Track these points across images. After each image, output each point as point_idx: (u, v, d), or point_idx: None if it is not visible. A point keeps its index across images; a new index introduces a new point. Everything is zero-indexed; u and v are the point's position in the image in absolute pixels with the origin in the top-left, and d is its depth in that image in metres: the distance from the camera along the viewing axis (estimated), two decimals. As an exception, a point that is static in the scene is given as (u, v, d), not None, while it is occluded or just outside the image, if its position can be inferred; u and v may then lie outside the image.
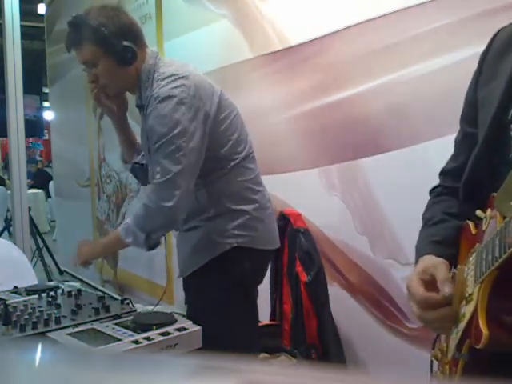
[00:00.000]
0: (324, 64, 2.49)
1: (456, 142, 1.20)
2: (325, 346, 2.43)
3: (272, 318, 2.69)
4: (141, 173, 1.99)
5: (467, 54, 1.86)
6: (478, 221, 1.04)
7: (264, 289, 2.64)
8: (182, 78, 1.72)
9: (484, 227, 0.94)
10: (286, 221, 2.60)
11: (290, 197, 2.74)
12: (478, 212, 0.96)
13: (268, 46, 2.78)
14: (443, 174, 1.23)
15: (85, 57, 1.76)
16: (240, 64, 2.97)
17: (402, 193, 2.15)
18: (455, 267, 1.07)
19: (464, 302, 0.97)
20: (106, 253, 2.01)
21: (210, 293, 1.81)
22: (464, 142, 1.14)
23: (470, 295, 0.93)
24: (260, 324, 2.60)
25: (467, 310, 0.94)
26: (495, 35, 1.08)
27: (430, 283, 1.00)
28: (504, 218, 0.85)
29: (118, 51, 1.72)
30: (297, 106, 2.64)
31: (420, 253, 1.11)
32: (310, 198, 2.62)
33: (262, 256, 1.90)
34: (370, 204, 2.32)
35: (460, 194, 1.07)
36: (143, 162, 1.98)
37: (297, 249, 2.52)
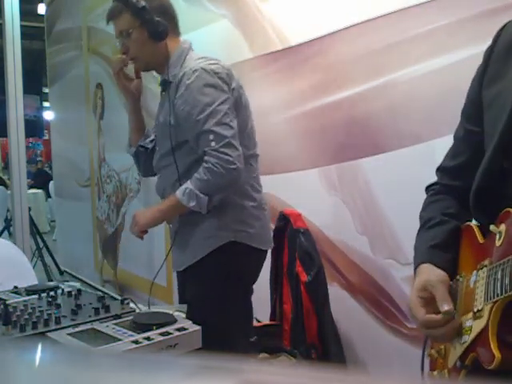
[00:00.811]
0: (324, 64, 2.49)
1: (456, 138, 1.17)
2: (325, 345, 2.43)
3: (272, 318, 2.69)
4: (144, 157, 2.07)
5: (467, 54, 1.86)
6: (483, 226, 1.02)
7: (264, 289, 2.64)
8: (216, 60, 1.87)
9: (498, 243, 0.93)
10: (285, 221, 2.60)
11: (290, 197, 2.74)
12: (492, 227, 0.94)
13: (268, 46, 2.78)
14: (441, 170, 1.20)
15: (121, 26, 1.87)
16: (240, 64, 2.97)
17: (402, 193, 2.15)
18: (455, 269, 1.06)
19: (471, 316, 0.96)
20: (165, 219, 1.93)
21: (209, 285, 1.86)
22: (465, 140, 1.12)
23: (480, 311, 0.93)
24: (260, 324, 2.60)
25: (475, 326, 0.94)
26: (501, 30, 1.05)
27: (430, 300, 1.01)
28: None
29: (152, 25, 1.82)
30: (297, 106, 2.64)
31: (419, 258, 1.10)
32: (310, 198, 2.61)
33: (256, 255, 1.93)
34: (369, 204, 2.32)
35: (470, 202, 1.04)
36: (149, 146, 2.06)
37: (297, 249, 2.52)
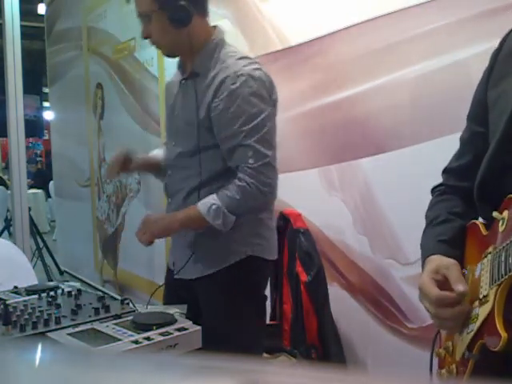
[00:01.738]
0: (324, 64, 2.49)
1: (461, 140, 1.19)
2: (325, 345, 2.43)
3: (272, 318, 2.69)
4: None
5: (467, 54, 1.86)
6: (488, 221, 1.03)
7: (264, 289, 2.64)
8: (257, 62, 1.74)
9: (501, 229, 0.93)
10: (286, 221, 2.60)
11: (290, 197, 2.74)
12: (495, 214, 0.95)
13: (268, 46, 2.78)
14: (446, 172, 1.22)
15: (140, 8, 1.71)
16: (240, 64, 2.97)
17: (402, 193, 2.15)
18: (462, 266, 1.07)
19: (477, 303, 0.96)
20: (180, 230, 1.76)
21: (222, 301, 1.76)
22: (471, 141, 1.13)
23: (485, 297, 0.93)
24: (260, 324, 2.60)
25: (481, 312, 0.94)
26: (507, 35, 1.07)
27: (443, 283, 1.00)
28: None
29: (173, 9, 1.66)
30: (297, 106, 2.64)
31: (427, 252, 1.09)
32: (310, 198, 2.62)
33: (267, 266, 1.86)
34: (369, 204, 2.32)
35: (474, 195, 1.06)
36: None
37: (297, 249, 2.52)
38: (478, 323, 0.94)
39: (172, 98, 1.85)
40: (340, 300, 2.47)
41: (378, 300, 2.31)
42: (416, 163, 2.08)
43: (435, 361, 1.13)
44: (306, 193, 2.65)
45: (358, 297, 2.42)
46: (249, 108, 1.63)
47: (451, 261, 1.03)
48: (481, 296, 0.95)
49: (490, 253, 0.96)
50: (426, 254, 1.09)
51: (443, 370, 1.08)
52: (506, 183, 0.96)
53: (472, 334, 0.96)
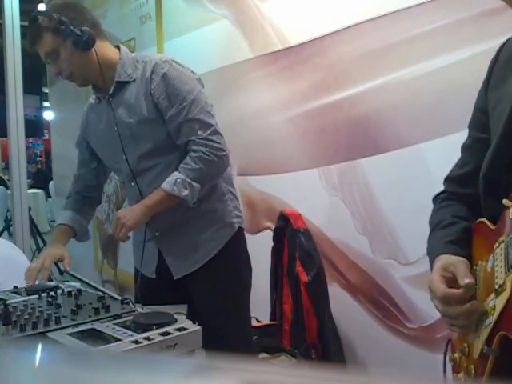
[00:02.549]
0: (324, 64, 2.49)
1: (463, 148, 1.19)
2: (325, 345, 2.43)
3: (272, 318, 2.69)
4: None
5: (467, 54, 1.86)
6: (491, 216, 1.03)
7: (264, 289, 2.64)
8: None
9: (511, 216, 0.93)
10: (285, 221, 2.60)
11: (289, 197, 2.74)
12: (505, 201, 0.95)
13: (268, 46, 2.78)
14: (449, 180, 1.22)
15: (46, 48, 1.77)
16: (240, 64, 2.97)
17: (402, 193, 2.15)
18: (471, 266, 1.06)
19: (493, 295, 0.94)
20: (152, 214, 1.80)
21: (230, 278, 1.88)
22: (473, 148, 1.14)
23: (501, 285, 0.91)
24: (260, 324, 2.61)
25: (498, 302, 0.91)
26: (504, 43, 1.10)
27: (451, 280, 1.00)
28: None
29: (76, 36, 1.74)
30: (297, 106, 2.64)
31: (435, 253, 1.09)
32: (310, 198, 2.62)
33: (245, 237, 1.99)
34: (369, 204, 2.32)
35: (480, 187, 1.07)
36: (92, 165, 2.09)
37: (297, 249, 2.52)
38: (496, 314, 0.91)
39: (102, 122, 1.91)
40: (340, 300, 2.47)
41: (378, 300, 2.31)
42: (416, 163, 2.08)
43: (449, 366, 1.11)
44: (306, 193, 2.65)
45: (358, 297, 2.42)
46: (182, 86, 1.76)
47: (459, 258, 1.03)
48: (496, 286, 0.92)
49: (502, 242, 0.94)
50: (434, 255, 1.09)
51: (460, 374, 1.05)
52: (508, 178, 0.96)
53: (490, 326, 0.93)
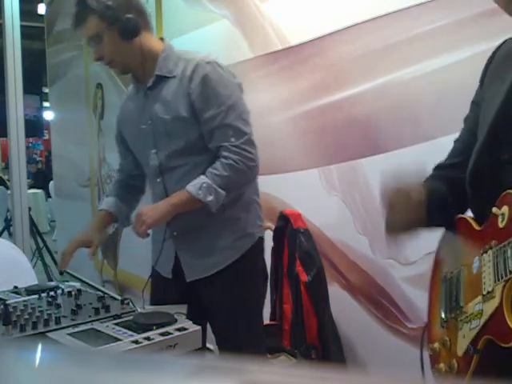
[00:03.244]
0: (324, 64, 2.49)
1: (455, 140, 1.22)
2: (325, 346, 2.43)
3: (272, 318, 2.69)
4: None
5: (467, 54, 1.86)
6: (478, 216, 1.04)
7: (264, 289, 2.64)
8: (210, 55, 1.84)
9: (501, 225, 0.94)
10: (286, 221, 2.60)
11: (289, 197, 2.74)
12: (495, 209, 0.96)
13: (268, 46, 2.78)
14: (436, 167, 1.26)
15: (90, 32, 1.76)
16: (240, 64, 2.97)
17: (402, 193, 2.15)
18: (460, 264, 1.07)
19: (480, 299, 0.96)
20: (174, 214, 1.77)
21: (247, 285, 1.86)
22: (464, 141, 1.17)
23: (490, 292, 0.93)
24: (260, 324, 2.60)
25: (487, 308, 0.94)
26: (501, 45, 1.13)
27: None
28: None
29: (122, 23, 1.72)
30: (297, 106, 2.64)
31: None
32: (310, 198, 2.61)
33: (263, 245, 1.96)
34: (369, 204, 2.32)
35: (467, 182, 1.08)
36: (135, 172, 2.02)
37: (297, 249, 2.52)
38: (484, 319, 0.94)
39: (137, 113, 1.89)
40: (340, 300, 2.47)
41: (378, 300, 2.31)
42: (416, 163, 2.08)
43: (427, 356, 1.14)
44: (306, 193, 2.65)
45: (358, 297, 2.42)
46: (222, 90, 1.73)
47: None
48: (484, 292, 0.95)
49: (490, 248, 0.96)
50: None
51: (441, 365, 1.08)
52: (499, 178, 0.97)
53: (477, 329, 0.96)
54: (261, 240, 1.89)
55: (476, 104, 1.14)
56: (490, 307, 0.93)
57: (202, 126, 1.75)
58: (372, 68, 2.25)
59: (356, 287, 2.42)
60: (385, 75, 2.19)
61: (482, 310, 0.95)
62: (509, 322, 0.87)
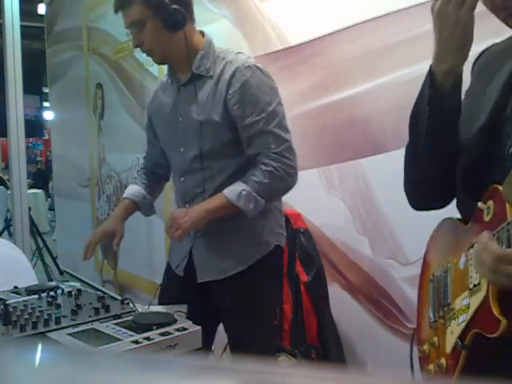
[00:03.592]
0: (324, 64, 2.49)
1: None
2: (325, 345, 2.43)
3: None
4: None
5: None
6: (465, 216, 1.05)
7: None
8: (250, 56, 1.81)
9: (486, 218, 0.94)
10: (286, 221, 2.60)
11: (290, 197, 2.73)
12: (480, 204, 0.96)
13: (268, 46, 2.78)
14: None
15: (132, 17, 1.68)
16: (240, 64, 2.97)
17: (402, 193, 2.15)
18: (445, 263, 1.07)
19: (467, 294, 0.96)
20: (209, 219, 1.71)
21: (261, 290, 1.81)
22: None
23: (476, 285, 0.93)
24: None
25: (473, 301, 0.94)
26: (481, 54, 1.16)
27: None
28: None
29: (168, 14, 1.65)
30: (297, 106, 2.64)
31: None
32: (310, 198, 2.61)
33: (282, 255, 1.93)
34: (369, 204, 2.32)
35: (457, 187, 1.08)
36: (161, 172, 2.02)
37: (297, 249, 2.52)
38: (471, 313, 0.94)
39: (168, 106, 1.84)
40: (340, 300, 2.47)
41: (378, 300, 2.31)
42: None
43: (417, 358, 1.14)
44: (306, 193, 2.64)
45: (357, 297, 2.42)
46: (263, 96, 1.69)
47: None
48: (471, 286, 0.95)
49: (476, 242, 0.96)
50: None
51: (430, 366, 1.08)
52: (490, 177, 0.97)
53: (464, 324, 0.96)
54: (278, 248, 1.83)
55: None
56: (476, 300, 0.93)
57: (241, 131, 1.71)
58: (372, 68, 2.25)
59: (356, 287, 2.42)
60: (385, 75, 2.20)
61: (469, 304, 0.95)
62: (494, 311, 0.87)
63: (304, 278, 2.47)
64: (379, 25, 2.20)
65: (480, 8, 1.87)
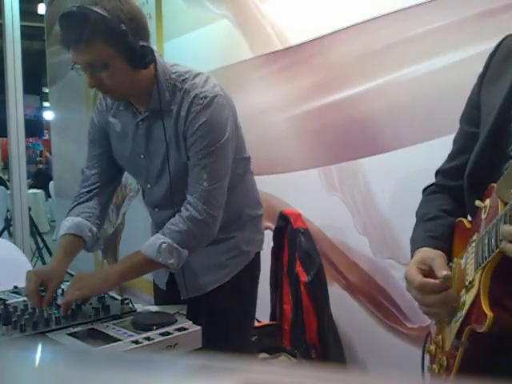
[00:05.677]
0: (324, 64, 2.49)
1: (454, 142, 1.22)
2: (325, 345, 2.43)
3: (272, 318, 2.69)
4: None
5: (467, 54, 1.86)
6: (472, 215, 1.06)
7: (264, 289, 2.64)
8: (209, 76, 1.62)
9: (483, 216, 0.96)
10: (286, 221, 2.60)
11: (290, 197, 2.74)
12: (477, 202, 0.98)
13: (268, 46, 2.78)
14: (439, 173, 1.25)
15: (91, 57, 1.44)
16: (240, 64, 2.97)
17: (402, 193, 2.15)
18: (450, 260, 1.09)
19: (464, 291, 0.98)
20: (125, 280, 1.63)
21: (234, 303, 1.77)
22: (464, 142, 1.16)
23: (471, 282, 0.94)
24: (260, 324, 2.60)
25: (468, 298, 0.95)
26: (502, 40, 1.11)
27: (428, 272, 1.03)
28: (505, 204, 0.87)
29: (136, 53, 1.47)
30: (297, 106, 2.64)
31: (416, 245, 1.13)
32: (310, 198, 2.61)
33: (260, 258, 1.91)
34: (369, 204, 2.32)
35: (464, 186, 1.09)
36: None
37: (297, 249, 2.52)
38: (465, 309, 0.95)
39: (127, 137, 1.70)
40: (340, 300, 2.47)
41: (378, 300, 2.31)
42: (416, 163, 2.08)
43: (427, 358, 1.15)
44: (306, 193, 2.65)
45: (358, 297, 2.42)
46: (213, 131, 1.55)
47: (438, 252, 1.06)
48: (467, 283, 0.96)
49: (474, 241, 0.98)
50: (415, 247, 1.13)
51: (434, 365, 1.09)
52: (492, 176, 0.97)
53: (460, 321, 0.97)
54: (257, 255, 1.83)
55: (472, 105, 1.13)
56: (470, 296, 0.94)
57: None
58: (372, 68, 2.25)
59: (356, 287, 2.42)
60: (385, 75, 2.19)
61: (465, 301, 0.96)
62: (484, 306, 0.87)
63: (304, 278, 2.47)
64: (379, 25, 2.19)
65: (480, 8, 1.87)
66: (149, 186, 1.74)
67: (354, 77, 2.34)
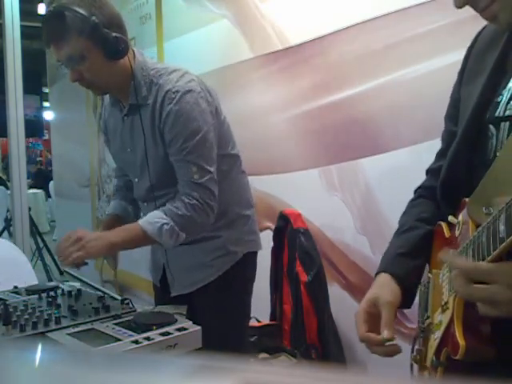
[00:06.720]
0: (324, 64, 2.49)
1: (442, 139, 1.19)
2: (325, 345, 2.43)
3: (272, 318, 2.69)
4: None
5: (467, 54, 1.86)
6: (451, 223, 1.03)
7: (264, 289, 2.64)
8: (186, 72, 1.66)
9: (457, 233, 0.93)
10: (286, 221, 2.60)
11: (290, 197, 2.74)
12: (451, 218, 0.95)
13: (268, 46, 2.78)
14: (428, 172, 1.22)
15: (69, 51, 1.54)
16: (240, 64, 2.97)
17: (402, 193, 2.15)
18: (420, 277, 1.06)
19: (440, 310, 0.95)
20: (117, 251, 1.73)
21: (223, 302, 1.78)
22: (449, 141, 1.11)
23: (446, 304, 0.92)
24: (260, 324, 2.61)
25: (444, 319, 0.93)
26: (480, 32, 1.08)
27: (376, 317, 0.99)
28: (477, 226, 0.83)
29: (109, 43, 1.55)
30: (297, 106, 2.64)
31: (383, 264, 1.08)
32: (310, 198, 2.62)
33: (256, 259, 1.90)
34: (369, 204, 2.32)
35: (437, 194, 1.05)
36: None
37: (297, 249, 2.52)
38: (442, 330, 0.92)
39: (116, 133, 1.79)
40: (340, 300, 2.47)
41: (378, 300, 2.31)
42: (416, 163, 2.08)
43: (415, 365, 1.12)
44: (305, 193, 2.65)
45: (358, 297, 2.42)
46: (189, 124, 1.60)
47: (391, 297, 1.00)
48: (443, 302, 0.93)
49: None
50: (381, 266, 1.07)
51: (420, 374, 1.07)
52: (470, 184, 0.92)
53: (438, 341, 0.94)
54: (249, 255, 1.81)
55: (453, 103, 1.10)
56: (445, 319, 0.91)
57: (170, 156, 1.65)
58: (372, 68, 2.25)
59: (356, 287, 2.42)
60: (385, 75, 2.20)
61: (441, 321, 0.93)
62: (457, 334, 0.84)
63: (304, 277, 2.47)
64: (379, 25, 2.20)
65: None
66: (136, 179, 1.80)
67: (354, 77, 2.34)
